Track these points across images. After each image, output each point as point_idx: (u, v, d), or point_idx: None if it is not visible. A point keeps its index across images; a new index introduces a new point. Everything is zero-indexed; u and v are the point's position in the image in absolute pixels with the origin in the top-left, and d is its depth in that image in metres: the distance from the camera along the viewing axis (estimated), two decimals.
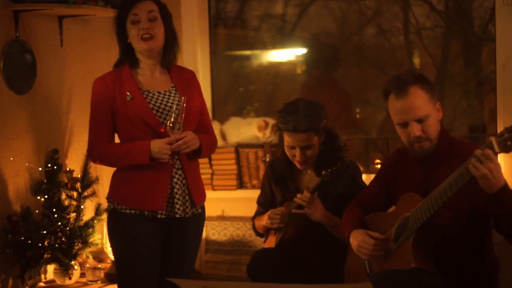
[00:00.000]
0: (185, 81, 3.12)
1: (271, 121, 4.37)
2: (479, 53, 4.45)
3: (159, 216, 3.02)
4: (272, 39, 4.83)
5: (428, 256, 2.74)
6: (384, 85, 2.91)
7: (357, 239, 2.92)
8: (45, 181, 3.85)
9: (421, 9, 4.50)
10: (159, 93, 3.05)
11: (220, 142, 4.43)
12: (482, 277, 2.85)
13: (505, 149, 2.46)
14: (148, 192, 3.00)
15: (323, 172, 3.20)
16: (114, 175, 3.12)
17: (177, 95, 3.03)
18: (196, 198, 3.08)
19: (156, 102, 3.02)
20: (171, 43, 3.08)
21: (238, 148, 4.45)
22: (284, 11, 4.76)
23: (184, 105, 2.92)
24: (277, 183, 3.42)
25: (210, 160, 4.46)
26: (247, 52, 4.93)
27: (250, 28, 4.89)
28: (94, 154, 3.08)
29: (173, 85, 3.09)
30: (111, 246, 3.17)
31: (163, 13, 3.05)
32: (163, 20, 3.04)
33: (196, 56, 4.64)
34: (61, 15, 4.06)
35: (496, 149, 2.48)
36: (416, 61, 4.58)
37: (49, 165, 3.87)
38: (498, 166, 2.54)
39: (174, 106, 2.94)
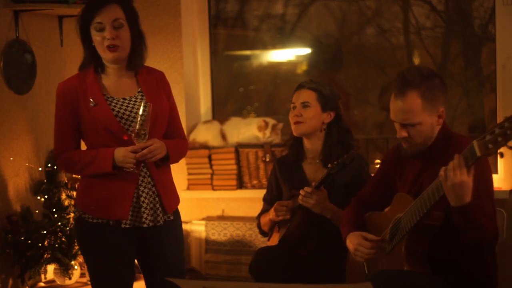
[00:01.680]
0: (153, 84, 2.98)
1: (271, 121, 4.37)
2: (479, 53, 4.45)
3: (123, 225, 2.89)
4: (272, 39, 4.82)
5: (421, 258, 2.71)
6: (383, 84, 2.90)
7: (353, 243, 2.91)
8: (45, 181, 3.85)
9: (421, 9, 4.50)
10: (124, 99, 2.92)
11: (220, 142, 4.44)
12: (480, 277, 2.83)
13: (487, 151, 2.36)
14: (111, 200, 2.88)
15: (329, 165, 3.23)
16: (80, 182, 3.01)
17: (143, 101, 2.87)
18: (168, 205, 2.96)
19: (120, 109, 2.89)
20: (138, 46, 2.95)
21: (238, 148, 4.44)
22: (284, 11, 4.76)
23: (150, 112, 2.79)
24: (284, 177, 3.44)
25: (210, 160, 4.46)
26: (247, 52, 4.93)
27: (250, 28, 4.89)
28: (59, 162, 2.97)
29: (139, 90, 2.96)
30: (81, 254, 3.08)
31: (129, 16, 2.90)
32: (129, 24, 2.90)
33: (196, 56, 4.64)
34: (61, 15, 4.06)
35: (478, 152, 2.39)
36: (416, 61, 4.57)
37: (49, 165, 3.87)
38: (465, 183, 2.47)
39: (140, 113, 2.80)
